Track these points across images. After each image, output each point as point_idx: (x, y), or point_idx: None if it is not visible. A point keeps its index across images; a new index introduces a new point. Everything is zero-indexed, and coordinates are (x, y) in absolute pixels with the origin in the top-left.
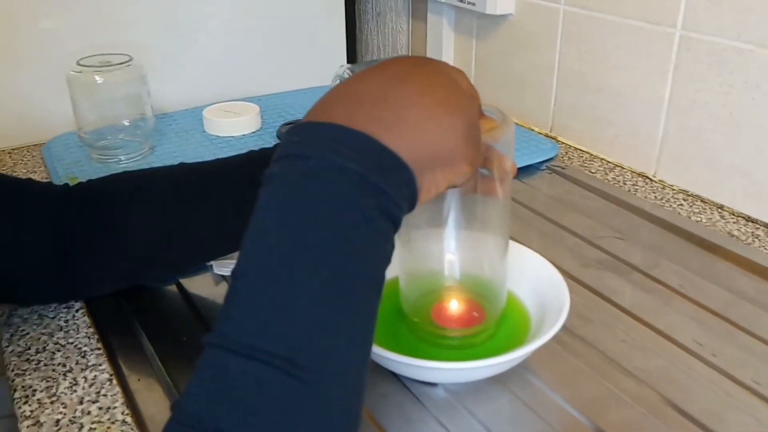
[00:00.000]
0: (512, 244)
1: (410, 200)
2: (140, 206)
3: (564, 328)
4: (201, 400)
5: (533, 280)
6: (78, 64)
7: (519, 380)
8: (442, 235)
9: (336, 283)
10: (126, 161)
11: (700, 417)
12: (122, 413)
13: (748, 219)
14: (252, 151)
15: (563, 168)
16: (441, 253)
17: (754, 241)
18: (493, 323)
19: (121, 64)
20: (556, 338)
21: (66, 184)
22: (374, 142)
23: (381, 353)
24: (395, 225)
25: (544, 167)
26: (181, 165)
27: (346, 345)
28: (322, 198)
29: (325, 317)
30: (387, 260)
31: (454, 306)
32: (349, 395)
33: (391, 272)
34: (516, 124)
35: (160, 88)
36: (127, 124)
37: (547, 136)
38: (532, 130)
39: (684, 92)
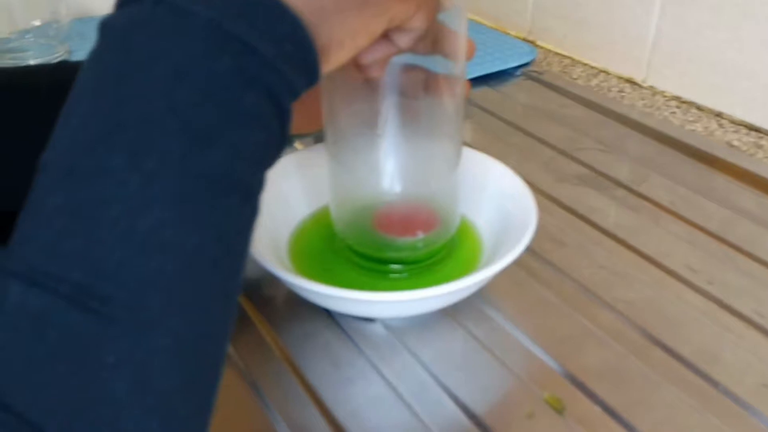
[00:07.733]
0: (469, 152)
1: (304, 63)
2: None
3: (530, 250)
4: None
5: (493, 194)
6: None
7: (474, 315)
8: (380, 143)
9: (166, 180)
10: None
11: (692, 357)
12: None
13: (751, 127)
14: None
15: (541, 74)
16: (378, 165)
17: (757, 151)
18: (446, 240)
19: None
20: (520, 263)
21: None
22: None
23: (306, 286)
24: (275, 100)
25: (519, 73)
26: (61, 63)
27: (181, 271)
28: (152, 56)
29: (144, 229)
30: (263, 156)
31: (400, 211)
32: (187, 345)
33: (321, 196)
34: (491, 27)
35: None
36: (37, 24)
37: (524, 39)
38: (509, 33)
39: None
